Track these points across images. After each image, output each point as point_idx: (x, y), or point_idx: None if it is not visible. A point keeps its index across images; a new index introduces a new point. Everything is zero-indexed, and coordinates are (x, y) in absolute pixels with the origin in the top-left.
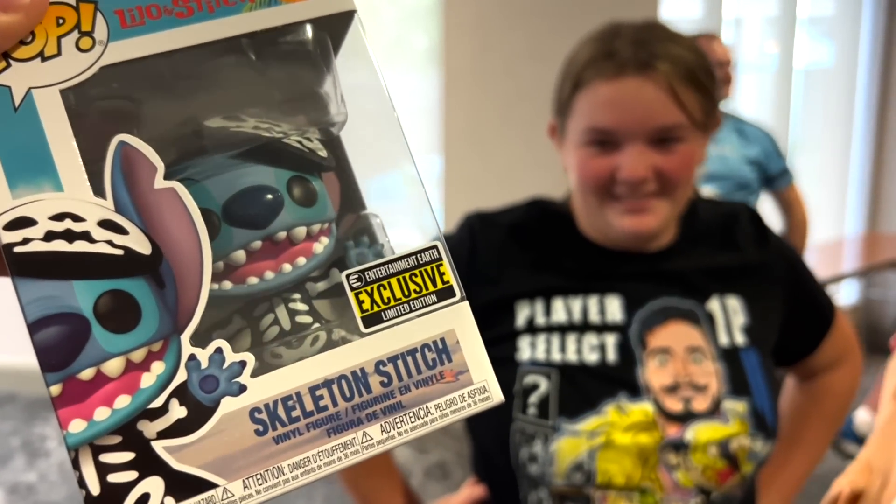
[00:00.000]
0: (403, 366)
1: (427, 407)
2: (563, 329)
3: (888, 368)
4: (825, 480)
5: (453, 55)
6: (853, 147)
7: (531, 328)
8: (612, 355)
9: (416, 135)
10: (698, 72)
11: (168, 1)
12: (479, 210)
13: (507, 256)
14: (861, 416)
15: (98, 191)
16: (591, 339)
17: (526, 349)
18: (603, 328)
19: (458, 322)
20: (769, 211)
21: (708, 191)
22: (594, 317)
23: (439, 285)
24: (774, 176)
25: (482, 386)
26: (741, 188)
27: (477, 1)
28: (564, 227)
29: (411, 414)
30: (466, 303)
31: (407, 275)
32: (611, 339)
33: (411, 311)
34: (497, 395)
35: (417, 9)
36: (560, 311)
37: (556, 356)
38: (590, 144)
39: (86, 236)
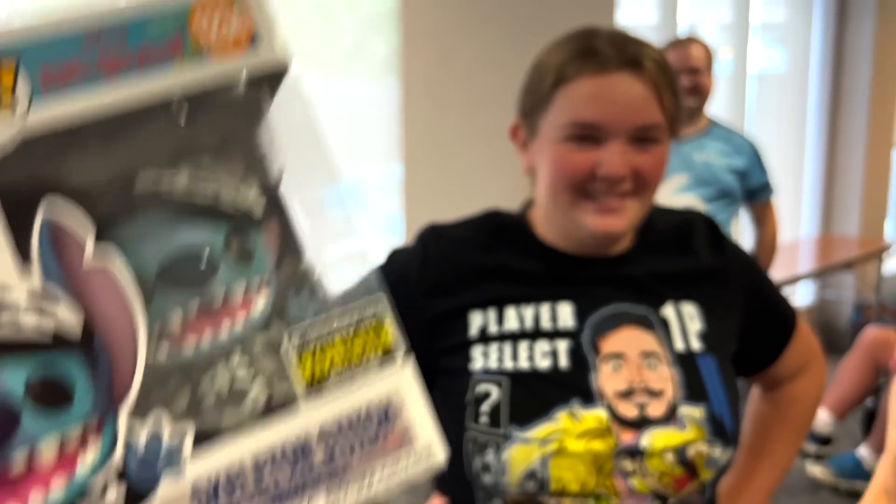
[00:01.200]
0: (347, 431)
1: (372, 471)
2: (515, 337)
3: (892, 392)
4: (785, 481)
5: (412, 63)
6: (807, 151)
7: (484, 337)
8: (564, 361)
9: (375, 143)
10: (673, 77)
11: (94, 58)
12: (434, 222)
13: (461, 267)
14: (820, 417)
15: (25, 268)
16: (543, 345)
17: (479, 358)
18: (555, 335)
19: (401, 384)
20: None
21: (690, 197)
22: (546, 324)
23: (382, 347)
24: (755, 189)
25: (427, 447)
26: (723, 196)
27: (435, 9)
28: (520, 235)
29: (356, 480)
30: (411, 363)
31: (350, 334)
32: (563, 346)
33: (354, 375)
34: (442, 455)
35: (376, 15)
36: (512, 319)
37: (508, 364)
38: (570, 140)
39: (12, 313)
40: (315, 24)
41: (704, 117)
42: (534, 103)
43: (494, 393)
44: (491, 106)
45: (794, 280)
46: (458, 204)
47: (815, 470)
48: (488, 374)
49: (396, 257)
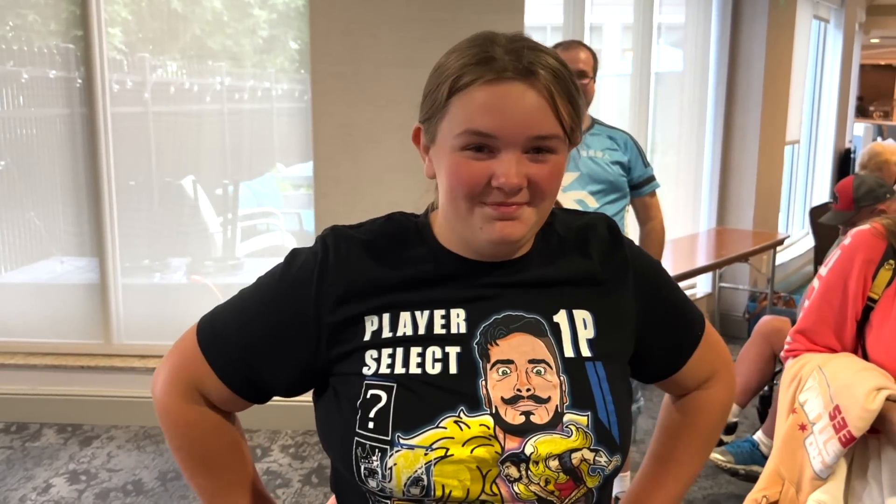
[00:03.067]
0: None
1: None
2: (407, 342)
3: (781, 383)
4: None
5: (321, 60)
6: (705, 148)
7: (377, 342)
8: (453, 367)
9: (287, 138)
10: (570, 85)
11: None
12: (335, 226)
13: (359, 272)
14: None
15: None
16: (434, 351)
17: (371, 363)
18: (447, 340)
19: None
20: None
21: (580, 193)
22: (439, 329)
23: None
24: (638, 183)
25: None
26: (612, 191)
27: (344, 6)
28: (420, 240)
29: None
30: None
31: None
32: (454, 351)
33: None
34: None
35: (289, 10)
36: (406, 324)
37: (399, 369)
38: (465, 149)
39: None
40: (227, 19)
41: (587, 117)
42: (432, 110)
43: (383, 398)
44: (401, 102)
45: (693, 272)
46: (369, 200)
47: (715, 454)
48: (379, 378)
49: (296, 259)
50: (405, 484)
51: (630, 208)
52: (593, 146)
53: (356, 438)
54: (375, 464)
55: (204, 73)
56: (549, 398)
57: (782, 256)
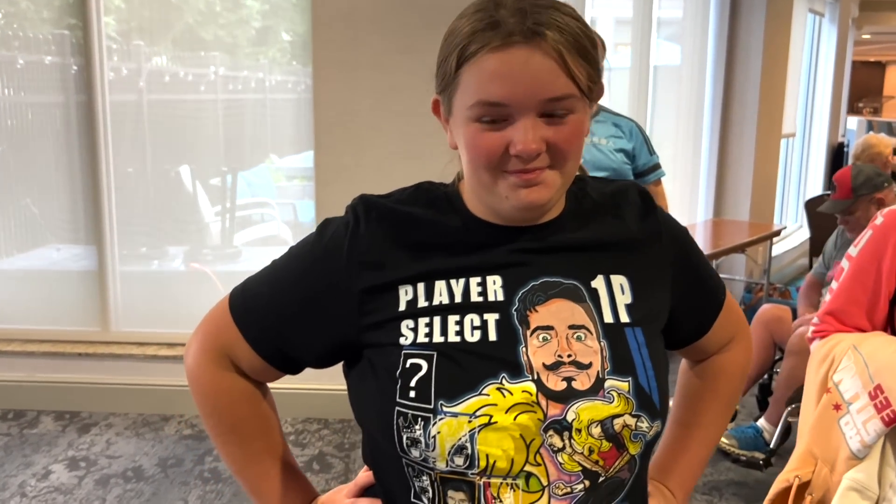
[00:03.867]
0: None
1: None
2: (444, 310)
3: (810, 363)
4: None
5: (322, 47)
6: (703, 141)
7: (413, 311)
8: (493, 334)
9: (287, 128)
10: (583, 40)
11: None
12: (364, 194)
13: (391, 241)
14: None
15: None
16: (472, 318)
17: (408, 333)
18: (484, 308)
19: None
20: None
21: None
22: (476, 297)
23: None
24: (643, 171)
25: None
26: (619, 177)
27: None
28: (450, 208)
29: None
30: None
31: None
32: (492, 318)
33: None
34: None
35: (282, 2)
36: (442, 293)
37: (438, 338)
38: (479, 119)
39: None
40: (220, 9)
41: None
42: (445, 81)
43: (423, 367)
44: (402, 90)
45: None
46: (371, 189)
47: (721, 438)
48: (417, 347)
49: (327, 229)
50: (449, 452)
51: None
52: (598, 133)
53: (397, 408)
54: (418, 433)
55: (198, 63)
56: (591, 364)
57: (777, 249)
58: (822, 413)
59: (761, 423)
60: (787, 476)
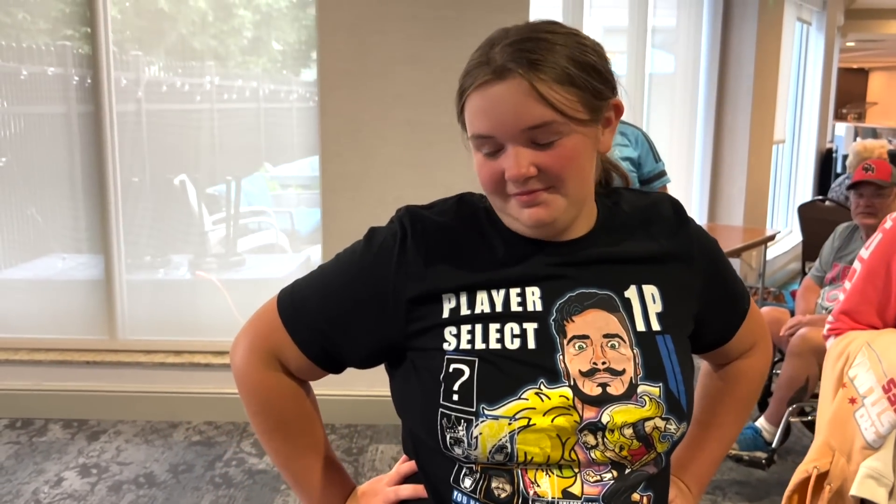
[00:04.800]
0: None
1: None
2: (486, 319)
3: (826, 359)
4: None
5: (329, 56)
6: (696, 147)
7: (456, 319)
8: (532, 342)
9: (275, 139)
10: (571, 68)
11: None
12: (410, 206)
13: (435, 253)
14: None
15: None
16: (512, 327)
17: (451, 339)
18: (524, 317)
19: None
20: None
21: None
22: (515, 307)
23: None
24: (649, 178)
25: None
26: None
27: (352, 4)
28: (489, 222)
29: None
30: None
31: None
32: (531, 328)
33: None
34: None
35: (272, 11)
36: (483, 302)
37: (480, 345)
38: (480, 149)
39: None
40: (213, 19)
41: None
42: (458, 114)
43: (466, 372)
44: (408, 99)
45: None
46: (376, 197)
47: None
48: (460, 353)
49: (375, 238)
50: (490, 451)
51: None
52: None
53: (441, 410)
54: (461, 433)
55: (193, 73)
56: (624, 370)
57: (769, 253)
58: (839, 407)
59: (760, 423)
60: (806, 467)
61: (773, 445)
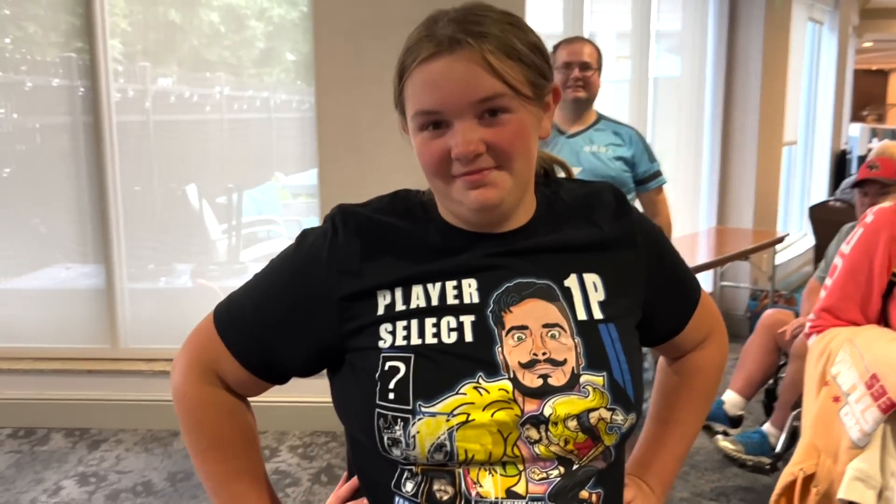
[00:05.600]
0: None
1: None
2: (422, 313)
3: (808, 358)
4: (693, 460)
5: (325, 63)
6: (704, 150)
7: (391, 315)
8: (469, 335)
9: (286, 149)
10: (515, 43)
11: None
12: (343, 203)
13: (368, 249)
14: (731, 398)
15: None
16: (449, 321)
17: (387, 336)
18: (460, 310)
19: None
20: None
21: None
22: (452, 300)
23: None
24: (643, 178)
25: None
26: (619, 186)
27: (347, 11)
28: (425, 215)
29: None
30: None
31: None
32: (468, 320)
33: None
34: None
35: (285, 23)
36: (419, 297)
37: (416, 340)
38: (423, 129)
39: None
40: (225, 30)
41: (593, 112)
42: (396, 97)
43: (402, 369)
44: None
45: (694, 269)
46: None
47: (725, 443)
48: (396, 350)
49: (306, 240)
50: (429, 451)
51: (636, 203)
52: (597, 141)
53: (377, 410)
54: (399, 433)
55: (203, 84)
56: (565, 360)
57: (781, 256)
58: (823, 406)
59: (766, 427)
60: (791, 470)
61: (778, 450)
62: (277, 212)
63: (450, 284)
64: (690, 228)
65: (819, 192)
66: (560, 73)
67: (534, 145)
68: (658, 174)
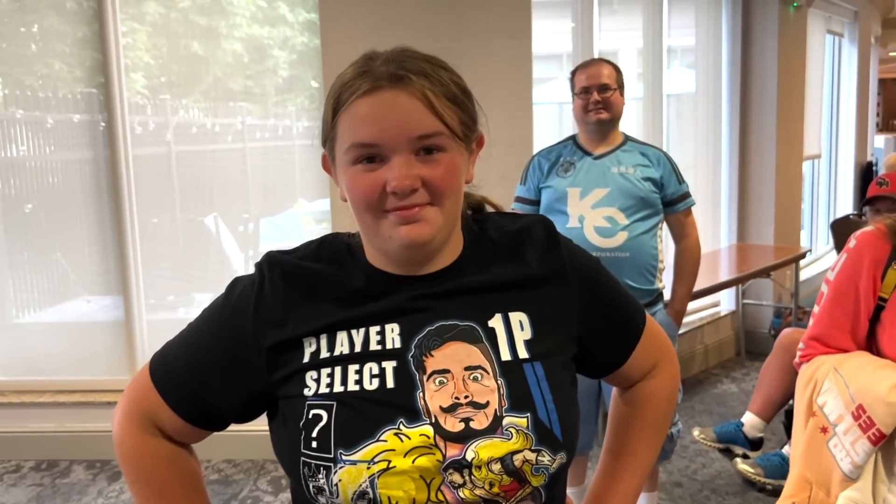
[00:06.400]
0: None
1: None
2: (345, 360)
3: (797, 388)
4: (714, 484)
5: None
6: (722, 166)
7: (316, 363)
8: (390, 381)
9: (309, 175)
10: (452, 87)
11: None
12: (271, 251)
13: (294, 297)
14: (750, 420)
15: None
16: (371, 367)
17: (311, 384)
18: (383, 356)
19: None
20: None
21: (611, 210)
22: (375, 346)
23: None
24: (672, 200)
25: None
26: (644, 207)
27: (354, 40)
28: (351, 260)
29: None
30: None
31: None
32: (390, 366)
33: None
34: None
35: (308, 51)
36: (343, 343)
37: (339, 387)
38: (357, 162)
39: None
40: (248, 60)
41: (619, 133)
42: (326, 133)
43: (324, 417)
44: None
45: (715, 287)
46: None
47: (745, 466)
48: (319, 398)
49: (235, 289)
50: (352, 498)
51: (664, 225)
52: (625, 162)
53: (302, 458)
54: (322, 481)
55: (226, 113)
56: (488, 403)
57: (807, 272)
58: (811, 437)
59: (787, 450)
60: None
61: None
62: (300, 238)
63: (373, 330)
64: (711, 246)
65: (845, 205)
66: (580, 98)
67: (461, 186)
68: (687, 195)
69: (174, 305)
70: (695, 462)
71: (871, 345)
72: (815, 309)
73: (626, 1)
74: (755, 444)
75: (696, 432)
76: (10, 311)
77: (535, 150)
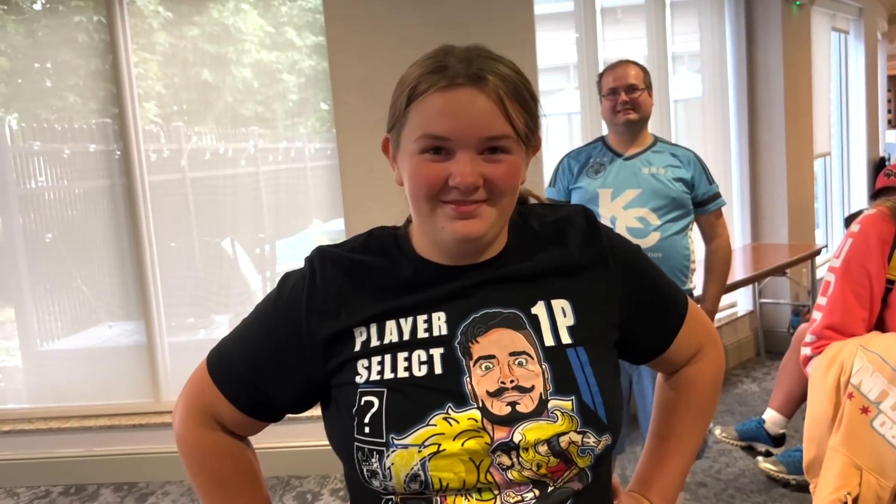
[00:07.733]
0: None
1: None
2: (394, 348)
3: (813, 374)
4: (738, 483)
5: (343, 109)
6: (732, 168)
7: (367, 351)
8: (438, 367)
9: (323, 196)
10: (523, 91)
11: None
12: (321, 246)
13: (345, 288)
14: (771, 417)
15: None
16: (420, 354)
17: (363, 372)
18: (430, 343)
19: None
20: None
21: (642, 210)
22: (422, 333)
23: None
24: (703, 200)
25: None
26: (675, 207)
27: (361, 58)
28: (399, 251)
29: None
30: None
31: None
32: (437, 353)
33: None
34: None
35: (317, 74)
36: (392, 332)
37: (388, 374)
38: (424, 152)
39: None
40: (258, 85)
41: (648, 134)
42: (394, 119)
43: (375, 404)
44: None
45: (732, 286)
46: None
47: (767, 464)
48: (370, 385)
49: (287, 283)
50: (405, 481)
51: (695, 225)
52: (655, 163)
53: (355, 444)
54: (375, 465)
55: (238, 138)
56: (533, 387)
57: (824, 269)
58: (850, 421)
59: None
60: (837, 496)
61: None
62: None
63: (420, 318)
64: None
65: (859, 202)
66: (608, 99)
67: (518, 187)
68: (717, 196)
69: (194, 327)
70: (718, 462)
71: (878, 329)
72: (821, 300)
73: (629, 10)
74: (777, 440)
75: (717, 431)
76: (34, 340)
77: (545, 160)
